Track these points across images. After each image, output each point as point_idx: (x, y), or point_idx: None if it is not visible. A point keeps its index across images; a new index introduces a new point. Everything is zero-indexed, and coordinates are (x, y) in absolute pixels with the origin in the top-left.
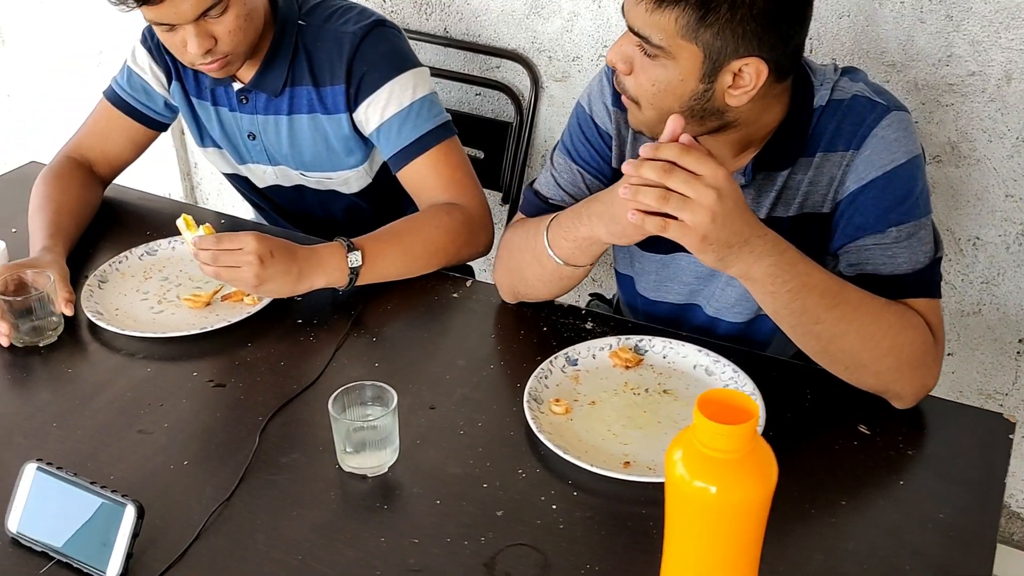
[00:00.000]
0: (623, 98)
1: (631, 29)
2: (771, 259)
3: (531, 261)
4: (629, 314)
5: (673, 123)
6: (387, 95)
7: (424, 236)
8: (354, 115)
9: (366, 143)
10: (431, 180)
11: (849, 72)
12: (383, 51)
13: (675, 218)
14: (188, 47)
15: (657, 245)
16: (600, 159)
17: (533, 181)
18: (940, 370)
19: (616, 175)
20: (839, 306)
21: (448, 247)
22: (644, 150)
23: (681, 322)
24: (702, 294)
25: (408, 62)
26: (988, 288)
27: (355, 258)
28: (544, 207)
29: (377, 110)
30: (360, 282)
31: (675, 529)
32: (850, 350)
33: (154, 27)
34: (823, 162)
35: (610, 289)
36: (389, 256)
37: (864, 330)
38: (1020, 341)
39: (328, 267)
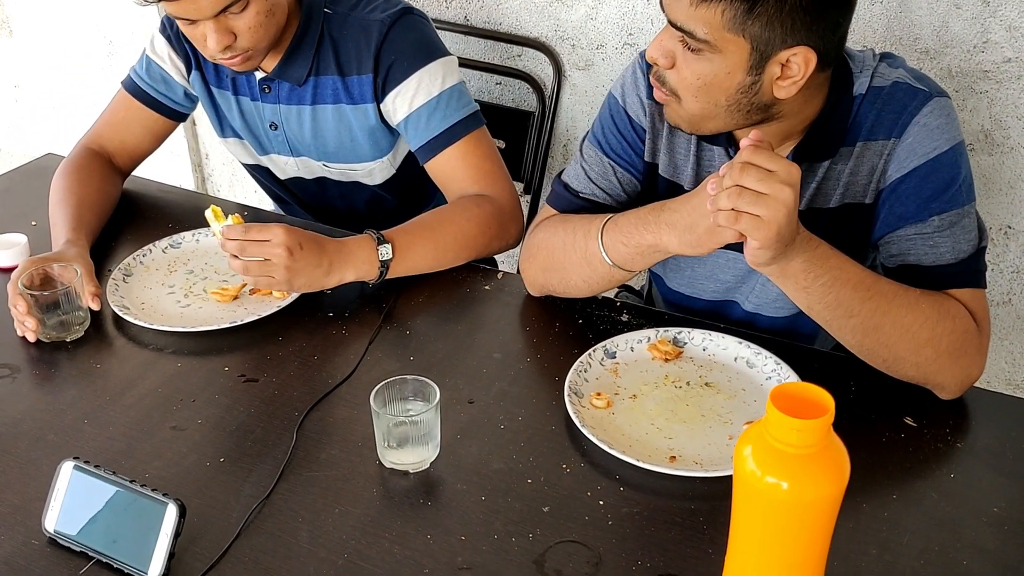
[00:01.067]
0: (659, 92)
1: (672, 23)
2: (805, 255)
3: (578, 262)
4: (663, 307)
5: (754, 133)
6: (416, 85)
7: (455, 228)
8: (381, 105)
9: (391, 134)
10: (460, 171)
11: (888, 58)
12: (411, 40)
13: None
14: (208, 42)
15: None
16: (632, 152)
17: (561, 172)
18: (985, 360)
19: (649, 169)
20: (873, 299)
21: (479, 239)
22: (723, 169)
23: (718, 317)
24: (739, 291)
25: (437, 51)
26: (1019, 277)
27: (385, 251)
28: (574, 200)
29: (405, 100)
30: (390, 275)
31: (742, 525)
32: (887, 342)
33: (176, 20)
34: (864, 151)
35: (638, 280)
36: (420, 249)
37: (900, 322)
38: None
39: (358, 260)
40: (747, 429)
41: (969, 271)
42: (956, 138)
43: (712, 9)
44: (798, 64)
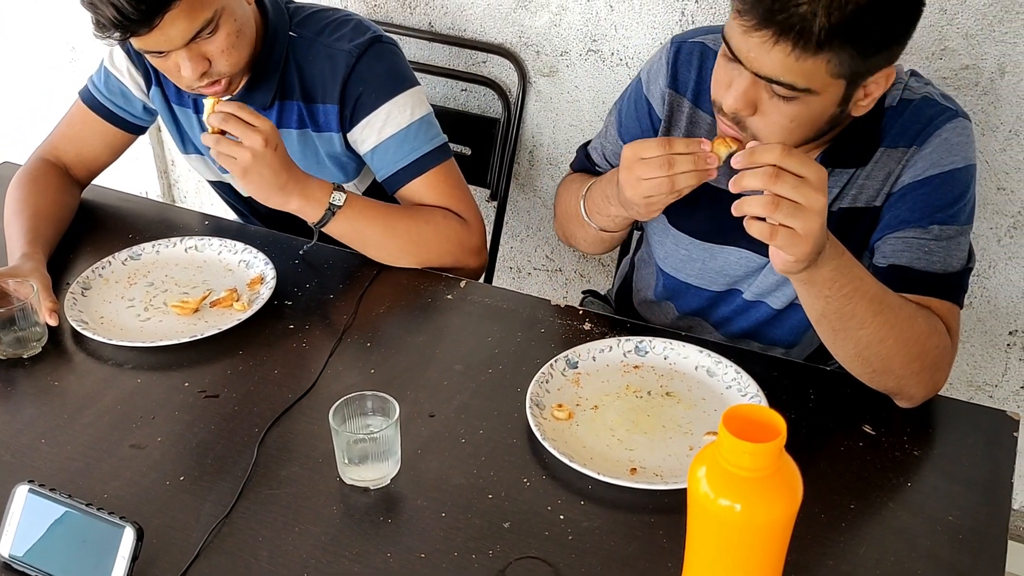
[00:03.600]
0: (734, 131)
1: (759, 75)
2: (834, 262)
3: (576, 224)
4: (664, 294)
5: None
6: (384, 117)
7: (413, 222)
8: (348, 135)
9: (357, 160)
10: (430, 200)
11: (916, 75)
12: (379, 71)
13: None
14: (182, 71)
15: (714, 235)
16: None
17: (588, 143)
18: (950, 372)
19: None
20: (883, 312)
21: (431, 244)
22: (740, 160)
23: (716, 307)
24: (744, 281)
25: (406, 82)
26: (979, 281)
27: (339, 197)
28: (592, 171)
29: (373, 131)
30: (332, 228)
31: (697, 545)
32: (886, 355)
33: (144, 54)
34: (883, 157)
35: (603, 285)
36: (370, 217)
37: (901, 336)
38: (1010, 334)
39: (309, 195)
40: (700, 451)
41: (952, 286)
42: (971, 160)
43: (818, 61)
44: (878, 83)
